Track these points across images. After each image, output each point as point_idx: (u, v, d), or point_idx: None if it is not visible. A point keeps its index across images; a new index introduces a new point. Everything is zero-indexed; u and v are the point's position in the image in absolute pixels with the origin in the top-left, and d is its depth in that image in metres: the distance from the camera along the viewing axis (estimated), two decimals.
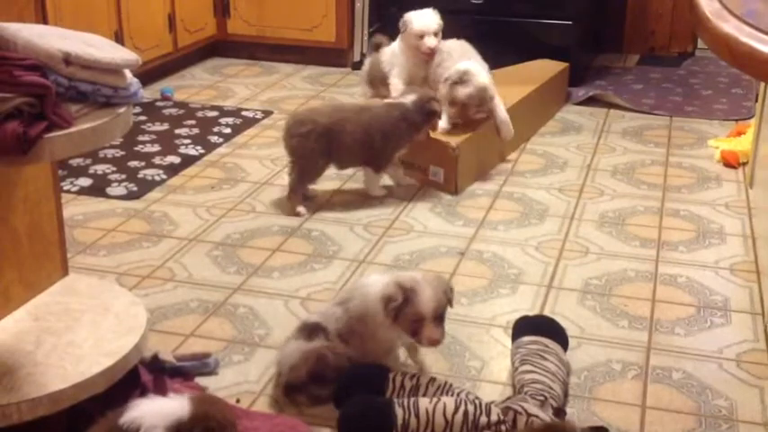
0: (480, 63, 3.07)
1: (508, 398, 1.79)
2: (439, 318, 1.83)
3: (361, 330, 1.87)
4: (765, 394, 1.92)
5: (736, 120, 3.63)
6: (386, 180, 2.99)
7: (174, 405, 1.45)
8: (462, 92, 2.94)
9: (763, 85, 2.93)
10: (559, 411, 1.74)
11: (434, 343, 1.84)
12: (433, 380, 1.81)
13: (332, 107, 2.96)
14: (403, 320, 1.82)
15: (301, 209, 2.79)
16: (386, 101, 2.93)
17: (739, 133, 3.36)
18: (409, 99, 2.83)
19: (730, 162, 3.18)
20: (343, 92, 4.04)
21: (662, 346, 2.09)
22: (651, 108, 3.81)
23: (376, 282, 1.89)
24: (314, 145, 2.75)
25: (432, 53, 3.14)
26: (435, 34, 3.14)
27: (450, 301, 1.87)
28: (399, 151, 2.89)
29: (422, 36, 3.13)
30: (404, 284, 1.82)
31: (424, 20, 3.16)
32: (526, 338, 1.90)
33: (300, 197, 2.82)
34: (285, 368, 1.89)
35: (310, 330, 1.90)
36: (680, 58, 4.56)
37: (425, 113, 2.83)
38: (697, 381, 1.96)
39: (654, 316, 2.22)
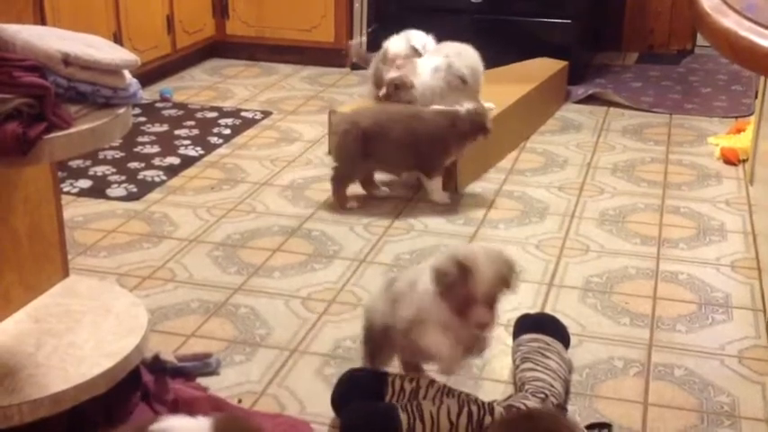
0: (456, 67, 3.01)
1: (510, 396, 1.79)
2: (492, 300, 1.67)
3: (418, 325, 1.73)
4: (767, 390, 1.92)
5: (736, 117, 3.63)
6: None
7: (200, 425, 1.41)
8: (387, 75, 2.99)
9: (762, 81, 2.93)
10: (560, 408, 1.74)
11: (483, 327, 1.68)
12: (432, 382, 1.79)
13: (378, 109, 2.90)
14: (452, 298, 1.66)
15: (353, 203, 2.82)
16: (438, 107, 2.85)
17: (739, 130, 3.36)
18: (464, 108, 2.77)
19: (730, 159, 3.18)
20: (342, 92, 4.04)
21: (663, 343, 2.09)
22: (651, 106, 3.80)
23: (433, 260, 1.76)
24: (352, 145, 2.75)
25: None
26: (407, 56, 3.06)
27: (507, 283, 1.69)
28: (448, 159, 2.84)
29: (393, 59, 3.09)
30: (460, 260, 1.66)
31: (398, 45, 3.15)
32: (527, 336, 1.90)
33: (344, 193, 2.83)
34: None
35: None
36: (679, 56, 4.55)
37: (475, 125, 2.77)
38: (699, 377, 1.96)
39: (655, 313, 2.22)
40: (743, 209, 2.82)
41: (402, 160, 2.82)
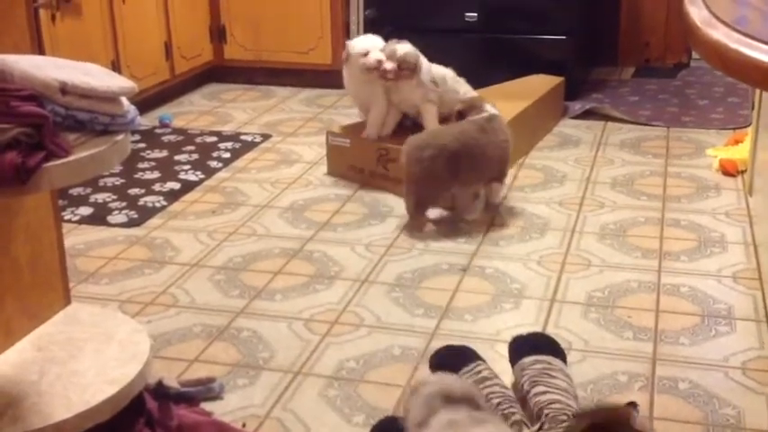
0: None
1: (540, 428, 1.75)
2: None
3: None
4: None
5: (734, 128, 3.64)
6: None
7: None
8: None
9: (758, 93, 2.94)
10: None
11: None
12: None
13: (451, 130, 2.86)
14: None
15: (429, 226, 2.83)
16: (475, 117, 2.89)
17: (737, 142, 3.37)
18: (489, 109, 2.88)
19: (729, 170, 3.18)
20: (340, 113, 4.06)
21: (667, 356, 2.09)
22: (648, 119, 3.82)
23: None
24: (440, 168, 2.73)
25: (379, 66, 3.04)
26: (389, 58, 3.03)
27: None
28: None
29: (365, 53, 3.08)
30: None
31: (366, 42, 3.15)
32: (528, 359, 1.89)
33: (424, 218, 2.83)
34: None
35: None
36: (675, 69, 4.57)
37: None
38: (704, 390, 1.95)
39: (658, 326, 2.21)
40: (743, 220, 2.83)
41: (483, 173, 2.85)
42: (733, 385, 1.97)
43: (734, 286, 2.41)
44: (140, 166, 3.40)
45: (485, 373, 1.87)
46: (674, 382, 1.98)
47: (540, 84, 3.80)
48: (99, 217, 2.95)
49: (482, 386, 1.81)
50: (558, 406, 1.74)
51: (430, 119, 3.12)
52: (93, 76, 1.70)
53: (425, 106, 3.12)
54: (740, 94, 4.07)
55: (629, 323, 2.23)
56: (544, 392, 1.79)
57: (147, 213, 2.98)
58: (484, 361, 1.93)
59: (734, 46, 1.17)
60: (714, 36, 1.23)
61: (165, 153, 3.54)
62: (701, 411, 1.88)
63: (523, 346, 1.95)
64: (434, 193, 2.83)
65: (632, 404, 1.73)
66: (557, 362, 1.88)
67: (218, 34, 4.42)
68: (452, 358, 1.94)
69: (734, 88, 4.18)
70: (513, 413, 1.74)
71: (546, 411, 1.74)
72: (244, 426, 1.86)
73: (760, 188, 2.80)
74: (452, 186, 2.84)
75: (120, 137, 1.65)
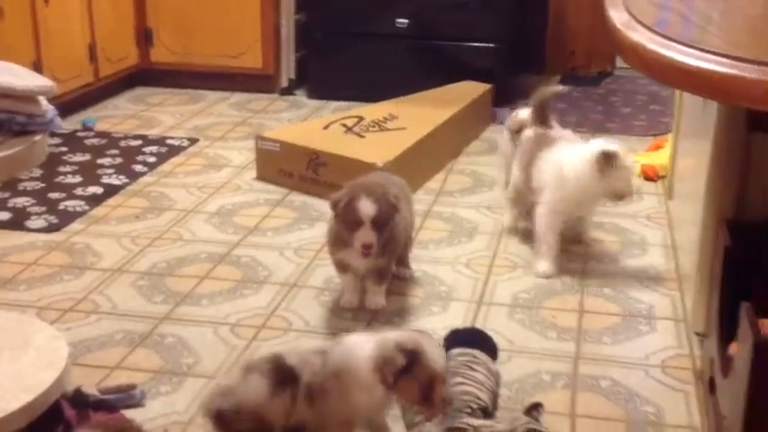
0: None
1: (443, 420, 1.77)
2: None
3: (335, 390, 1.65)
4: (690, 398, 1.96)
5: (654, 135, 3.74)
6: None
7: None
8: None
9: (678, 101, 3.03)
10: (487, 415, 1.75)
11: (447, 405, 1.67)
12: None
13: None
14: (409, 385, 1.63)
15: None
16: None
17: (658, 147, 3.47)
18: None
19: (650, 176, 3.27)
20: (271, 117, 4.03)
21: (590, 355, 2.13)
22: (573, 126, 3.88)
23: (363, 341, 1.69)
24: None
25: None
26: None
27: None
28: None
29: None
30: (405, 346, 1.63)
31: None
32: (455, 351, 1.90)
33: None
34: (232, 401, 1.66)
35: (284, 375, 1.66)
36: (599, 78, 4.68)
37: None
38: (625, 388, 2.00)
39: (581, 326, 2.25)
40: (663, 223, 2.90)
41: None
42: (653, 383, 2.02)
43: (654, 287, 2.47)
44: (61, 169, 3.31)
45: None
46: (595, 381, 2.02)
47: (469, 90, 3.85)
48: (17, 222, 2.86)
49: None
50: (466, 398, 1.76)
51: None
52: (16, 74, 1.66)
53: None
54: (662, 102, 4.19)
55: (553, 323, 2.27)
56: (459, 383, 1.80)
57: (67, 218, 2.89)
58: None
59: (652, 47, 1.21)
60: (634, 38, 1.27)
61: (87, 157, 3.46)
62: (622, 409, 1.92)
63: (455, 339, 1.97)
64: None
65: (537, 405, 1.76)
66: (482, 356, 1.89)
67: (144, 37, 4.34)
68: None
69: (656, 97, 4.31)
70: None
71: (454, 402, 1.75)
72: None
73: (679, 193, 2.88)
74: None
75: (38, 137, 1.61)
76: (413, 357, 1.62)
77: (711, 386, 1.86)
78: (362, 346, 1.67)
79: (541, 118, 2.75)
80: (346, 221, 2.20)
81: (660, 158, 3.32)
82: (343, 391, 1.65)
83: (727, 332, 1.77)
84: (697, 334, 2.15)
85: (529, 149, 2.69)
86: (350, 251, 2.25)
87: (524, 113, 2.84)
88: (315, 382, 1.65)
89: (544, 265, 2.54)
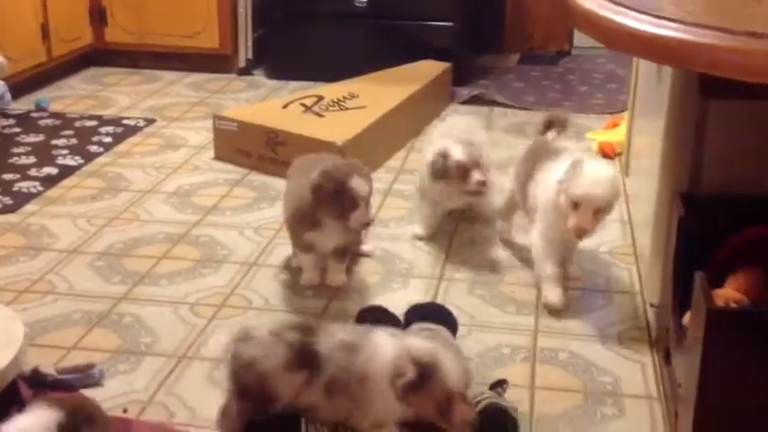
0: None
1: None
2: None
3: (357, 395, 1.61)
4: (647, 368, 2.00)
5: (611, 113, 3.78)
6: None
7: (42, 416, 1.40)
8: None
9: (633, 79, 3.06)
10: None
11: (468, 424, 1.58)
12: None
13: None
14: (423, 399, 1.55)
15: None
16: None
17: (615, 125, 3.50)
18: None
19: (607, 153, 3.30)
20: (229, 98, 3.99)
21: (548, 328, 2.15)
22: (532, 105, 3.92)
23: (386, 343, 1.62)
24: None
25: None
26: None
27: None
28: None
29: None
30: (419, 358, 1.55)
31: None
32: (415, 326, 1.91)
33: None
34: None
35: (307, 358, 1.62)
36: (557, 57, 4.72)
37: None
38: (582, 359, 2.02)
39: (540, 301, 2.27)
40: (620, 199, 2.93)
41: None
42: (610, 354, 2.05)
43: (612, 261, 2.51)
44: (15, 150, 3.24)
45: None
46: (554, 353, 2.05)
47: (429, 69, 3.85)
48: None
49: None
50: None
51: None
52: None
53: None
54: (619, 81, 4.24)
55: (512, 298, 2.29)
56: None
57: (22, 199, 2.84)
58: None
59: (604, 13, 1.22)
60: (586, 5, 1.27)
61: (41, 137, 3.39)
62: (580, 380, 1.95)
63: (415, 314, 1.98)
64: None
65: (502, 381, 1.78)
66: (442, 330, 1.90)
67: (98, 16, 4.26)
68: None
69: (613, 75, 4.35)
70: None
71: None
72: (125, 411, 1.80)
73: (635, 169, 2.92)
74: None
75: None
76: (425, 371, 1.53)
77: (667, 356, 1.90)
78: (385, 350, 1.60)
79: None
80: (340, 202, 2.13)
81: (617, 136, 3.36)
82: (364, 398, 1.60)
83: (681, 303, 1.80)
84: (652, 305, 2.19)
85: (527, 159, 2.39)
86: (320, 231, 2.23)
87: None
88: (338, 378, 1.60)
89: (552, 295, 2.21)
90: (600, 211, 2.10)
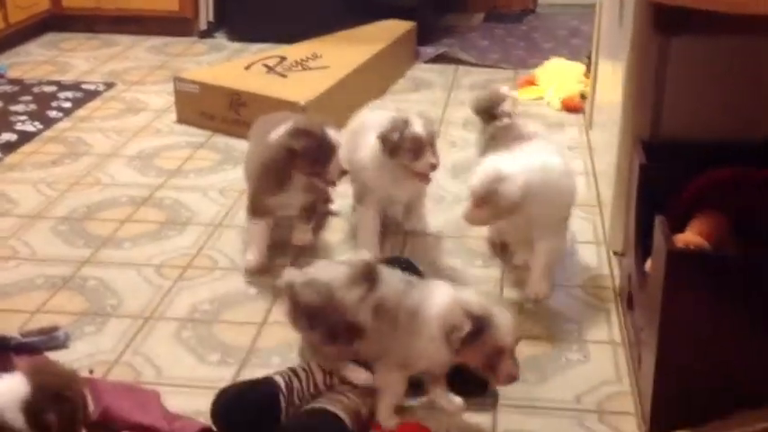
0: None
1: None
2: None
3: (403, 328, 1.63)
4: (611, 315, 2.03)
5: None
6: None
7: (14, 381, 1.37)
8: None
9: (595, 37, 3.06)
10: None
11: (513, 380, 1.63)
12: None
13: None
14: (474, 352, 1.59)
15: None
16: None
17: (529, 83, 3.52)
18: None
19: (570, 107, 3.32)
20: (190, 61, 3.93)
21: (514, 280, 2.17)
22: (496, 62, 3.91)
23: (441, 294, 1.65)
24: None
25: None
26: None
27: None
28: None
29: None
30: (474, 312, 1.59)
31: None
32: None
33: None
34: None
35: (367, 275, 1.67)
36: (522, 15, 4.71)
37: None
38: (548, 308, 2.05)
39: (505, 254, 2.28)
40: (584, 152, 2.95)
41: None
42: (575, 303, 2.08)
43: (576, 213, 2.51)
44: None
45: None
46: (520, 304, 2.06)
47: (393, 28, 3.82)
48: None
49: None
50: None
51: None
52: None
53: None
54: (582, 36, 4.23)
55: (479, 252, 2.30)
56: None
57: None
58: None
59: None
60: None
61: None
62: (545, 327, 1.97)
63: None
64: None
65: None
66: None
67: None
68: None
69: (576, 31, 4.35)
70: None
71: None
72: (91, 372, 1.79)
73: (598, 122, 2.93)
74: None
75: None
76: (480, 325, 1.57)
77: (629, 302, 1.92)
78: (438, 301, 1.62)
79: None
80: (318, 156, 2.07)
81: (568, 89, 3.38)
82: (409, 333, 1.62)
83: (643, 249, 1.82)
84: (615, 253, 2.21)
85: (493, 144, 2.20)
86: (287, 191, 2.16)
87: (505, 89, 2.38)
88: (388, 303, 1.64)
89: (537, 286, 2.10)
90: None
